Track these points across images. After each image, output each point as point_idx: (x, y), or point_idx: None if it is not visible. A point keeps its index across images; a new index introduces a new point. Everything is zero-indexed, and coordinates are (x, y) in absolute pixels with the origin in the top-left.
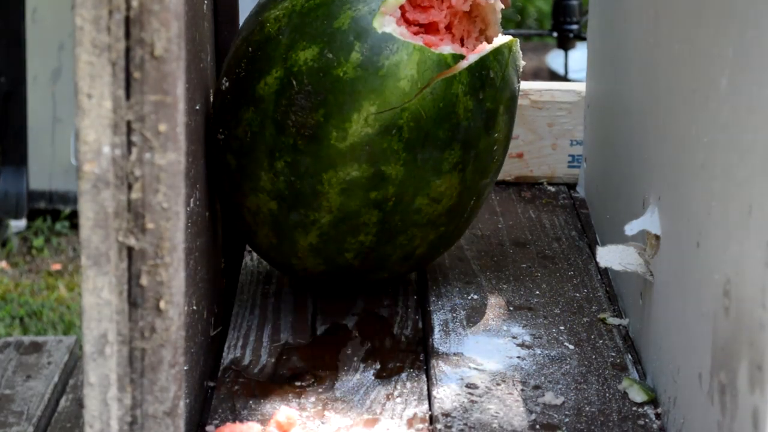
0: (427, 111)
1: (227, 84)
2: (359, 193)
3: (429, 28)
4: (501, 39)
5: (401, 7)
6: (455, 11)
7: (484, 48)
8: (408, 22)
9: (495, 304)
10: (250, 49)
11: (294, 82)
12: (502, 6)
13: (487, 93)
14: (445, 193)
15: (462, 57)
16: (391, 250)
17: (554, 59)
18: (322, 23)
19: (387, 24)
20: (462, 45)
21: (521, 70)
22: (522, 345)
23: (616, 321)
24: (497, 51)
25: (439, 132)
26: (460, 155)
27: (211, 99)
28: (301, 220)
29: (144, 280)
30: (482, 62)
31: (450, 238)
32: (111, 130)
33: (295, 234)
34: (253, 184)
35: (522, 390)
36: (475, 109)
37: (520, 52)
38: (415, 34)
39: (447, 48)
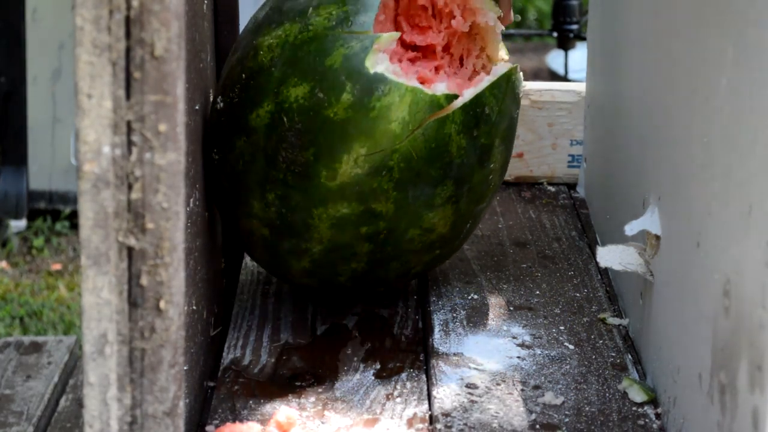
0: (418, 152)
1: (222, 105)
2: (350, 228)
3: (426, 50)
4: (501, 68)
5: (398, 28)
6: (454, 31)
7: (481, 80)
8: (405, 45)
9: (495, 304)
10: (243, 75)
11: (285, 119)
12: (502, 27)
13: (482, 130)
14: (438, 224)
15: (455, 96)
16: (384, 273)
17: (554, 59)
18: (314, 59)
19: (380, 62)
20: (461, 65)
21: (521, 94)
22: (522, 345)
23: (616, 321)
24: (494, 85)
25: (430, 171)
26: (453, 190)
27: (210, 104)
28: (292, 248)
29: (144, 280)
30: (477, 99)
31: (447, 256)
32: (111, 130)
33: (287, 258)
34: (246, 210)
35: (522, 390)
36: (469, 146)
37: (521, 77)
38: (412, 61)
39: (441, 87)
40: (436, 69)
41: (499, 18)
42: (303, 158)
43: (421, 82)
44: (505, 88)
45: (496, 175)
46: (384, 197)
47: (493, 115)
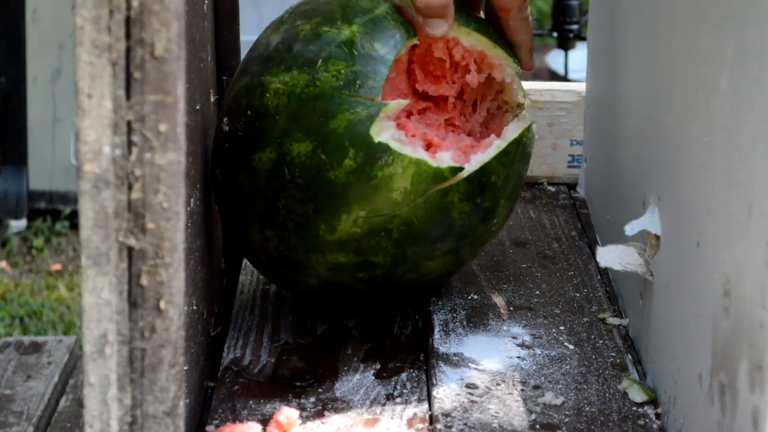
0: (419, 217)
1: (227, 129)
2: (347, 272)
3: (438, 98)
4: (511, 131)
5: (411, 75)
6: (464, 82)
7: (489, 146)
8: (417, 96)
9: (495, 304)
10: (249, 112)
11: (286, 171)
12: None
13: (486, 196)
14: (437, 269)
15: (460, 168)
16: (383, 301)
17: (554, 59)
18: (319, 119)
19: (385, 130)
20: (474, 110)
21: (532, 148)
22: (522, 345)
23: (616, 321)
24: (503, 153)
25: (430, 232)
26: (453, 244)
27: (210, 104)
28: (289, 278)
29: (144, 280)
30: (483, 169)
31: (448, 281)
32: (111, 130)
33: (284, 283)
34: (246, 235)
35: (522, 390)
36: (472, 210)
37: (534, 134)
38: (422, 113)
39: (446, 157)
40: (447, 122)
41: (518, 64)
42: (302, 210)
43: (427, 146)
44: (515, 152)
45: (500, 225)
46: (382, 252)
47: (499, 182)
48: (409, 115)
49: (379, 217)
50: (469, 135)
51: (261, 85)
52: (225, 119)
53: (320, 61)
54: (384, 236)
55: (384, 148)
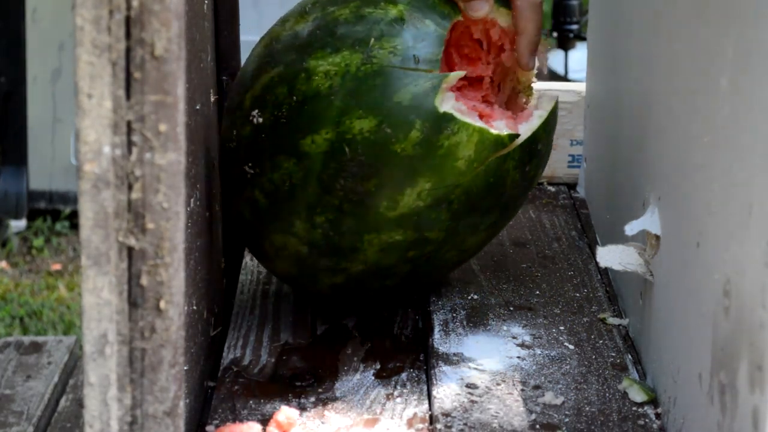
0: (478, 186)
1: (261, 120)
2: (397, 252)
3: (473, 79)
4: (547, 102)
5: (449, 59)
6: (500, 62)
7: (531, 116)
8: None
9: (495, 304)
10: (294, 97)
11: (347, 150)
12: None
13: (533, 164)
14: (473, 246)
15: (516, 136)
16: (409, 288)
17: (554, 59)
18: (381, 95)
19: (447, 101)
20: (499, 90)
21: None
22: (522, 345)
23: (616, 321)
24: (546, 121)
25: (484, 202)
26: (498, 217)
27: (210, 104)
28: (330, 267)
29: (144, 280)
30: (533, 137)
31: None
32: (111, 130)
33: (320, 274)
34: (284, 227)
35: (522, 390)
36: (521, 179)
37: (557, 113)
38: (460, 90)
39: (501, 125)
40: (483, 99)
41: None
42: (363, 188)
43: (480, 118)
44: (553, 122)
45: (524, 201)
46: (438, 226)
47: (543, 150)
48: (459, 91)
49: (444, 188)
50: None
51: (304, 70)
52: (255, 112)
53: (372, 39)
54: (444, 208)
55: (449, 118)
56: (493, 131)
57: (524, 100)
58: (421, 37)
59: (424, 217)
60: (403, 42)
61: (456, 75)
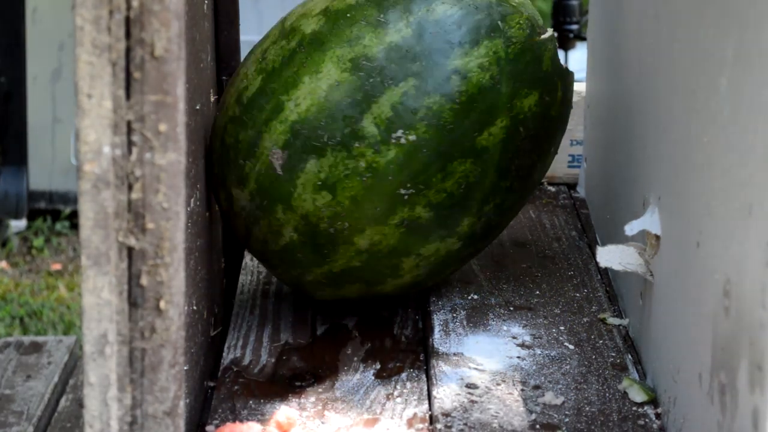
0: None
1: (413, 137)
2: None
3: None
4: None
5: None
6: None
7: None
8: None
9: (495, 304)
10: (457, 100)
11: (521, 129)
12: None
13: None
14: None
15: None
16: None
17: None
18: (534, 68)
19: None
20: None
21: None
22: (522, 345)
23: (616, 321)
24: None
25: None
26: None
27: (210, 104)
28: (472, 253)
29: (144, 280)
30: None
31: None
32: (111, 130)
33: (467, 258)
34: (446, 233)
35: (522, 390)
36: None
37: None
38: None
39: None
40: None
41: None
42: (530, 160)
43: None
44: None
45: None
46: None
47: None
48: None
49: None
50: None
51: (455, 71)
52: (401, 131)
53: (499, 22)
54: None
55: (569, 72)
56: None
57: None
58: (528, 7)
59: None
60: (521, 15)
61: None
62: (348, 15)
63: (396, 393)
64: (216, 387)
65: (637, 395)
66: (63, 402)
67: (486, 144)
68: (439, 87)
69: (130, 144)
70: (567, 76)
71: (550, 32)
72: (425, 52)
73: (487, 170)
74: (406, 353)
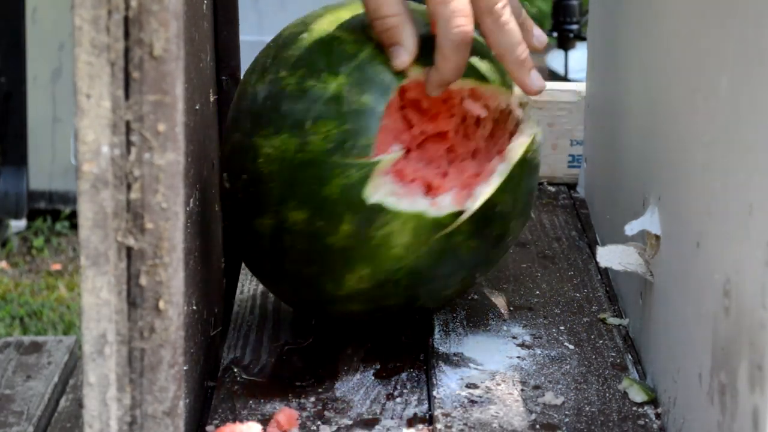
0: (425, 264)
1: (228, 186)
2: (364, 314)
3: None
4: (514, 152)
5: (405, 119)
6: (462, 111)
7: (492, 175)
8: (412, 137)
9: (495, 304)
10: (244, 176)
11: (286, 238)
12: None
13: (495, 225)
14: (456, 292)
15: (460, 213)
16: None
17: (554, 59)
18: (311, 187)
19: (381, 187)
20: (478, 126)
21: (540, 158)
22: (522, 345)
23: (616, 321)
24: (507, 180)
25: (439, 272)
26: (467, 273)
27: (210, 104)
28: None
29: (143, 280)
30: (487, 203)
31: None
32: (110, 130)
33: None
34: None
35: (522, 390)
36: (481, 243)
37: (540, 138)
38: (420, 147)
39: (446, 201)
40: (448, 150)
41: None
42: (308, 272)
43: (428, 189)
44: (520, 174)
45: (515, 239)
46: (394, 298)
47: (507, 208)
48: (408, 151)
49: (383, 272)
50: (474, 154)
51: (252, 147)
52: (225, 175)
53: (309, 122)
54: (392, 286)
55: (379, 209)
56: (432, 213)
57: (519, 114)
58: (356, 119)
59: (373, 293)
60: (337, 126)
61: (390, 158)
62: None
63: (396, 393)
64: (216, 387)
65: (637, 395)
66: (63, 402)
67: (258, 230)
68: (243, 157)
69: (128, 144)
70: (369, 214)
71: None
72: (255, 115)
73: (263, 255)
74: (406, 353)
